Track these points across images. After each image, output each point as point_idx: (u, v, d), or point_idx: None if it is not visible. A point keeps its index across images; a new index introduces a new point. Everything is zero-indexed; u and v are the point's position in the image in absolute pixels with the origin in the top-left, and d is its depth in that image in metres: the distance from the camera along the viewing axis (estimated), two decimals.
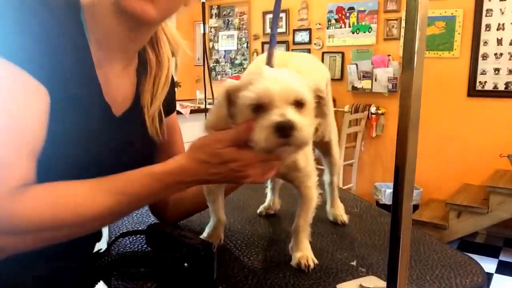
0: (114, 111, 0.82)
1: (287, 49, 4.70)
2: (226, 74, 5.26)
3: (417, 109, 0.52)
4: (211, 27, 5.37)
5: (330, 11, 4.41)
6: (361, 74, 4.20)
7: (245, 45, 5.14)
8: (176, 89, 0.98)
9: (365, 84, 4.19)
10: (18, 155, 0.63)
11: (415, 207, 3.72)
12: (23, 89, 0.65)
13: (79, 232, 0.71)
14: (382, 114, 4.13)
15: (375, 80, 4.12)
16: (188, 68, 5.07)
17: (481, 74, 3.72)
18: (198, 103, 4.00)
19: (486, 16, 3.64)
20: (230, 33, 5.24)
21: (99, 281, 0.75)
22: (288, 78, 0.68)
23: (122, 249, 0.89)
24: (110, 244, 0.88)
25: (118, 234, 0.86)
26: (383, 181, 4.16)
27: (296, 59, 0.94)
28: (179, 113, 3.36)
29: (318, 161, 0.94)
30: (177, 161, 0.71)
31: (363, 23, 4.24)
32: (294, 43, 4.69)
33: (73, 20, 0.75)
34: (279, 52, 0.83)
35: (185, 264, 0.70)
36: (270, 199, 1.13)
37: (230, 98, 0.70)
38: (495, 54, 3.64)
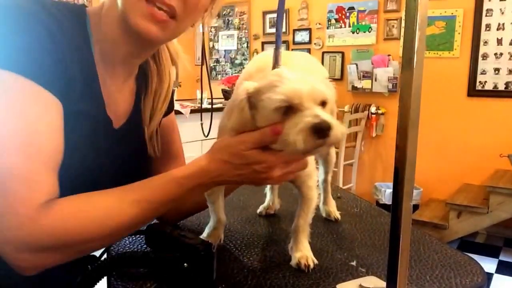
0: (114, 124, 0.83)
1: (287, 49, 4.69)
2: (226, 74, 5.26)
3: (417, 109, 0.52)
4: (211, 27, 5.37)
5: (330, 11, 4.41)
6: (361, 74, 4.20)
7: (245, 45, 5.14)
8: (176, 89, 0.98)
9: (365, 84, 4.19)
10: (41, 170, 0.63)
11: (415, 207, 3.72)
12: (41, 104, 0.65)
13: (107, 243, 0.72)
14: (382, 114, 4.13)
15: (375, 80, 4.12)
16: (187, 71, 5.05)
17: (481, 74, 3.72)
18: (198, 103, 4.00)
19: (486, 16, 3.64)
20: (230, 33, 5.24)
21: (99, 281, 0.75)
22: (312, 79, 0.68)
23: (121, 249, 0.89)
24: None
25: None
26: (383, 181, 4.16)
27: (295, 59, 0.94)
28: (179, 113, 3.36)
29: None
30: (198, 164, 0.70)
31: (363, 23, 4.24)
32: (294, 43, 4.69)
33: (80, 33, 0.75)
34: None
35: (185, 264, 0.70)
36: (269, 199, 1.13)
37: (250, 100, 0.69)
38: (495, 54, 3.64)
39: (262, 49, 4.98)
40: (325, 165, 1.08)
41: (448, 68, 3.83)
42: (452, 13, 3.77)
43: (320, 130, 0.63)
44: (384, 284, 0.58)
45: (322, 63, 4.37)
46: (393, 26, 4.10)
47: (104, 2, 0.79)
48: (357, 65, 4.21)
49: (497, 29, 3.62)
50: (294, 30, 4.67)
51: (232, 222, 1.05)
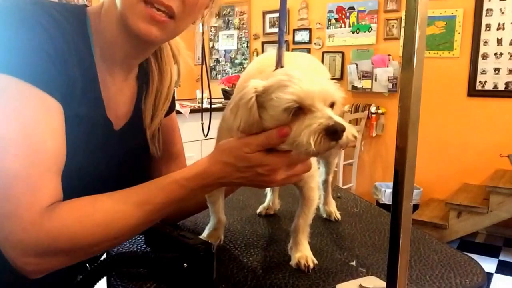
0: (114, 126, 0.83)
1: (287, 48, 4.69)
2: (226, 74, 5.26)
3: (417, 109, 0.52)
4: (211, 27, 5.37)
5: (330, 11, 4.41)
6: (361, 73, 4.20)
7: (245, 44, 5.14)
8: (176, 89, 0.98)
9: (365, 83, 4.19)
10: (44, 174, 0.64)
11: (415, 207, 3.72)
12: (42, 107, 0.65)
13: (112, 245, 0.72)
14: (382, 113, 4.13)
15: (375, 80, 4.12)
16: (188, 68, 5.06)
17: (481, 74, 3.72)
18: (198, 102, 4.00)
19: (486, 16, 3.64)
20: (230, 33, 5.24)
21: (99, 281, 0.75)
22: (321, 80, 0.67)
23: (121, 249, 0.89)
24: None
25: None
26: (383, 181, 4.16)
27: (297, 59, 0.93)
28: (179, 112, 3.36)
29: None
30: (200, 165, 0.70)
31: (363, 23, 4.24)
32: (294, 42, 4.69)
33: (80, 35, 0.75)
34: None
35: (185, 264, 0.70)
36: (270, 199, 1.13)
37: (257, 99, 0.67)
38: (495, 54, 3.64)
39: (262, 49, 4.98)
40: (327, 166, 1.08)
41: (448, 68, 3.83)
42: (452, 13, 3.77)
43: (334, 132, 0.62)
44: (384, 284, 0.58)
45: (322, 63, 4.35)
46: (393, 26, 4.10)
47: (104, 2, 0.79)
48: (357, 65, 4.21)
49: (497, 29, 3.61)
50: (294, 30, 4.67)
51: (232, 222, 1.04)
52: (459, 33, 3.76)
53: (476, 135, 3.76)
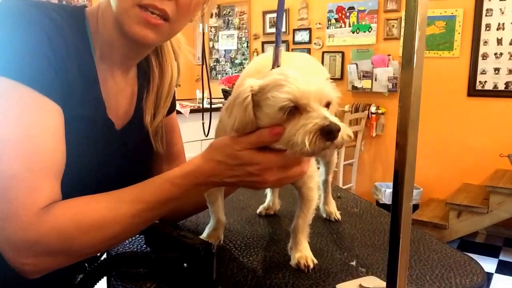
0: (116, 126, 0.83)
1: (287, 49, 4.70)
2: (226, 74, 5.26)
3: (417, 108, 0.52)
4: (211, 27, 5.37)
5: (330, 11, 4.41)
6: (361, 73, 4.20)
7: (245, 44, 5.14)
8: (176, 88, 0.98)
9: (365, 83, 4.19)
10: (42, 176, 0.64)
11: (415, 207, 3.72)
12: (40, 110, 0.66)
13: (110, 245, 0.71)
14: (382, 113, 4.14)
15: (375, 80, 4.12)
16: (188, 68, 5.06)
17: (481, 73, 3.72)
18: (198, 102, 4.00)
19: (486, 16, 3.64)
20: (230, 33, 5.24)
21: (99, 281, 0.75)
22: (317, 79, 0.67)
23: (121, 249, 0.89)
24: None
25: None
26: (383, 181, 4.16)
27: (297, 59, 0.93)
28: (178, 112, 3.36)
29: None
30: (193, 163, 0.69)
31: (363, 23, 4.24)
32: (294, 42, 4.69)
33: (80, 37, 0.75)
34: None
35: (185, 264, 0.70)
36: (270, 200, 1.13)
37: (253, 98, 0.66)
38: (495, 53, 3.64)
39: (262, 49, 4.98)
40: (327, 166, 1.08)
41: (448, 68, 3.83)
42: (452, 13, 3.77)
43: (329, 132, 0.62)
44: (384, 284, 0.58)
45: (322, 63, 4.37)
46: (393, 26, 4.10)
47: (100, 4, 0.79)
48: (357, 65, 4.21)
49: (497, 29, 3.62)
50: (294, 30, 4.67)
51: (232, 222, 1.04)
52: (459, 33, 3.77)
53: (476, 135, 3.76)
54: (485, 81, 3.71)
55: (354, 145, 4.19)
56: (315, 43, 4.55)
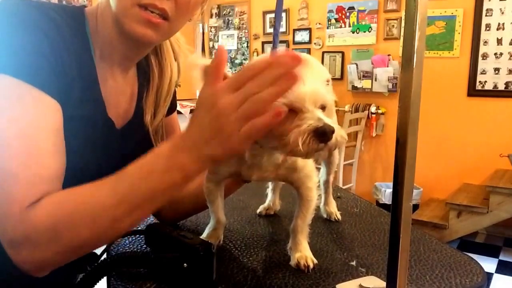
0: (116, 125, 0.83)
1: (287, 49, 4.70)
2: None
3: (416, 108, 0.52)
4: (211, 27, 5.37)
5: (330, 11, 4.41)
6: (361, 73, 4.20)
7: (245, 44, 5.14)
8: (176, 88, 0.98)
9: (365, 83, 4.19)
10: (40, 174, 0.64)
11: (415, 207, 3.72)
12: (40, 107, 0.66)
13: (102, 231, 0.65)
14: (382, 113, 4.14)
15: (375, 80, 4.12)
16: (188, 68, 5.06)
17: (481, 73, 3.72)
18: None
19: (486, 15, 3.64)
20: (230, 33, 5.24)
21: (99, 281, 0.75)
22: (312, 82, 0.67)
23: (121, 249, 0.89)
24: (109, 244, 0.88)
25: None
26: (383, 181, 4.16)
27: None
28: (179, 112, 3.36)
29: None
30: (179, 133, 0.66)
31: (363, 23, 4.24)
32: (294, 42, 4.69)
33: (79, 37, 0.75)
34: None
35: (185, 264, 0.70)
36: (270, 200, 1.13)
37: None
38: (495, 53, 3.64)
39: (262, 49, 4.98)
40: (328, 166, 1.08)
41: (448, 68, 3.83)
42: (452, 13, 3.77)
43: (323, 134, 0.62)
44: (384, 284, 0.58)
45: (322, 63, 4.37)
46: (393, 26, 4.10)
47: (99, 3, 0.79)
48: (357, 65, 4.21)
49: (497, 29, 3.62)
50: (294, 30, 4.67)
51: (232, 222, 1.04)
52: (459, 33, 3.77)
53: (476, 135, 3.76)
54: (485, 81, 3.71)
55: (354, 145, 4.19)
56: (315, 43, 4.55)
